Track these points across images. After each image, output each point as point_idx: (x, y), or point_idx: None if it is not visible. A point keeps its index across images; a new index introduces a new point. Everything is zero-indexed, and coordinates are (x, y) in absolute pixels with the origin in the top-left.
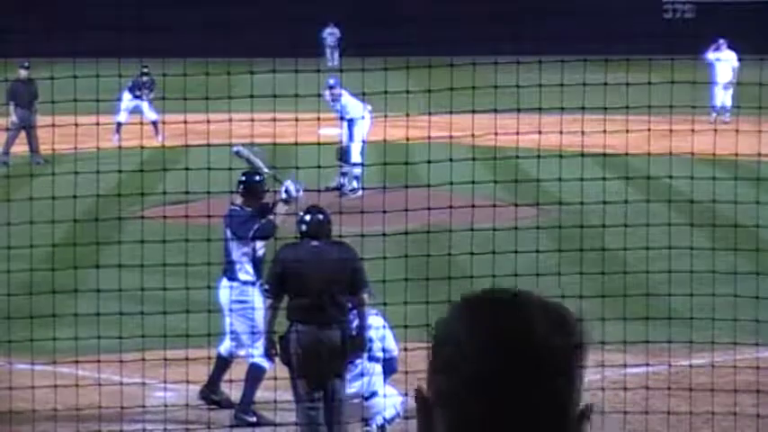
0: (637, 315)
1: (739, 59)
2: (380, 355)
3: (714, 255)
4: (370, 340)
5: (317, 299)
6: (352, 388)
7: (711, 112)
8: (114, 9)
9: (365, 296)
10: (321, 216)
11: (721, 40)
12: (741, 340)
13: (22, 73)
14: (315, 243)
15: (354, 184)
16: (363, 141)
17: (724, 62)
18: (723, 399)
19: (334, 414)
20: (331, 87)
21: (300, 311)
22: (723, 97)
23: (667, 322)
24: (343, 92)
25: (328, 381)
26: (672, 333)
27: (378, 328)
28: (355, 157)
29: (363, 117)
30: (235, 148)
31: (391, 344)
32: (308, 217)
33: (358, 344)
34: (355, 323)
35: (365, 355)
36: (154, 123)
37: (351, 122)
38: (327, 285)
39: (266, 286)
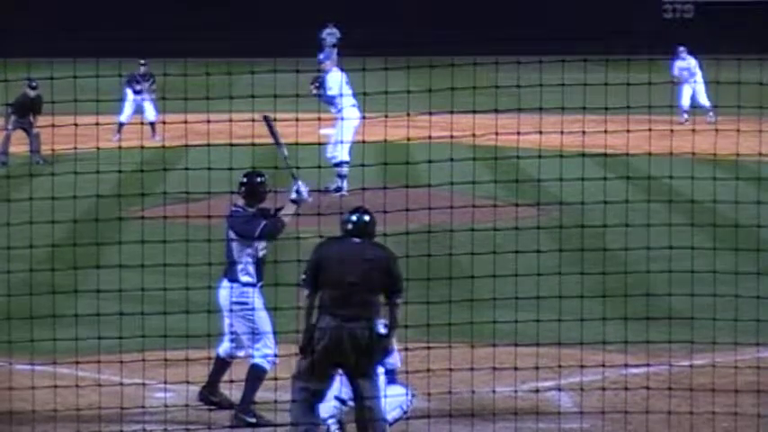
0: (637, 315)
1: (699, 61)
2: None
3: (715, 255)
4: None
5: (348, 292)
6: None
7: (682, 113)
8: (114, 9)
9: (399, 301)
10: (367, 217)
11: (681, 48)
12: (742, 340)
13: (30, 93)
14: (356, 240)
15: (338, 182)
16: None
17: (686, 69)
18: (724, 399)
19: (368, 414)
20: (321, 62)
21: (330, 303)
22: (700, 98)
23: (668, 322)
24: (335, 69)
25: (356, 375)
26: (672, 333)
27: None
28: (344, 155)
29: (343, 108)
30: (265, 114)
31: (392, 359)
32: (354, 217)
33: (384, 344)
34: (383, 324)
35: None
36: (152, 124)
37: (331, 99)
38: (360, 281)
39: (303, 276)
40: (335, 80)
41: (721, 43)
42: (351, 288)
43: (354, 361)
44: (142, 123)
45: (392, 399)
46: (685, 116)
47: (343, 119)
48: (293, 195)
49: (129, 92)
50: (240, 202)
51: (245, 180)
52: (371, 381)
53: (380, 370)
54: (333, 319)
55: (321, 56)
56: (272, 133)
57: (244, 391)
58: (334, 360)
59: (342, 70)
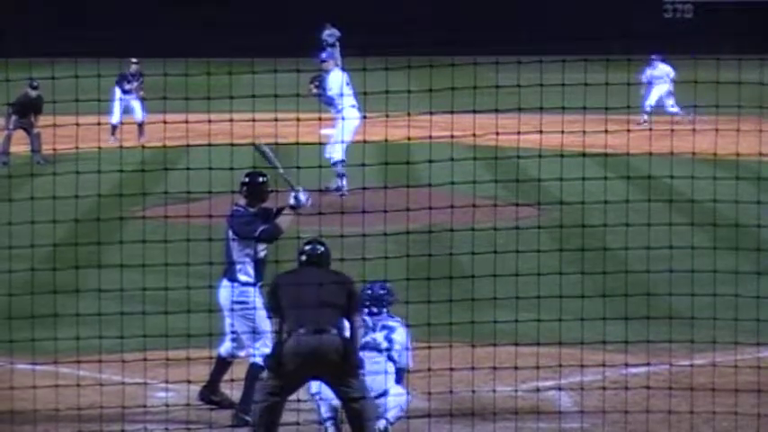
0: (637, 315)
1: (673, 67)
2: (396, 356)
3: (715, 254)
4: (391, 341)
5: (311, 310)
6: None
7: (642, 113)
8: (115, 9)
9: (358, 319)
10: (321, 248)
11: (654, 56)
12: (742, 340)
13: (31, 93)
14: (312, 268)
15: (338, 182)
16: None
17: (659, 78)
18: (724, 399)
19: (358, 414)
20: (323, 61)
21: (296, 323)
22: (667, 102)
23: (668, 322)
24: (336, 69)
25: (337, 384)
26: (673, 333)
27: (404, 336)
28: (340, 154)
29: (343, 108)
30: (257, 142)
31: (404, 359)
32: (308, 247)
33: (354, 349)
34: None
35: (385, 353)
36: (140, 125)
37: (330, 100)
38: (322, 300)
39: (268, 307)
40: (336, 80)
41: (721, 43)
42: (314, 306)
43: (331, 371)
44: (143, 123)
45: (393, 398)
46: (645, 117)
47: (343, 119)
48: (292, 201)
49: (117, 91)
50: (242, 201)
51: (246, 180)
52: (354, 384)
53: (391, 368)
54: (304, 333)
55: (324, 54)
56: (266, 157)
57: (244, 391)
58: (310, 373)
59: (343, 70)
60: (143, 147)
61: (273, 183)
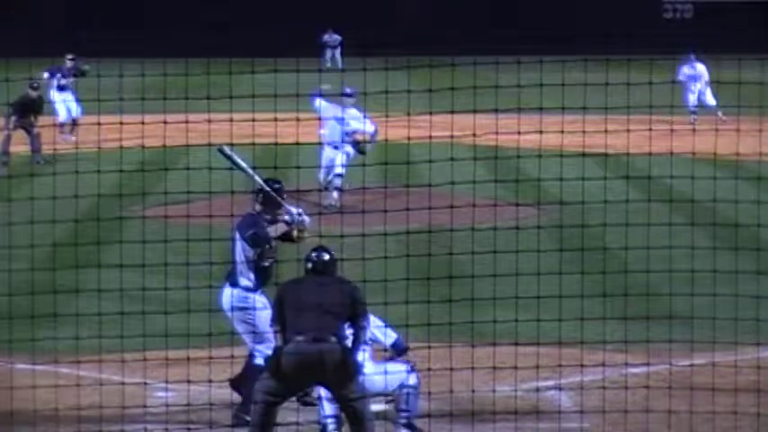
0: (637, 315)
1: (707, 66)
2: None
3: (715, 254)
4: None
5: (313, 317)
6: None
7: (690, 114)
8: (115, 9)
9: (364, 324)
10: (327, 256)
11: (691, 55)
12: (742, 340)
13: (32, 93)
14: (317, 276)
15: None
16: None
17: (693, 76)
18: (724, 399)
19: (356, 414)
20: (348, 95)
21: (297, 329)
22: (707, 98)
23: (668, 322)
24: (352, 109)
25: (337, 390)
26: (673, 333)
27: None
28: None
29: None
30: (218, 147)
31: (380, 335)
32: (314, 255)
33: (353, 356)
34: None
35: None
36: (74, 121)
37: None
38: (324, 308)
39: (271, 316)
40: (352, 117)
41: (721, 43)
42: (315, 313)
43: (330, 377)
44: (144, 123)
45: (391, 376)
46: (694, 116)
47: (347, 153)
48: (286, 217)
49: (54, 93)
50: (257, 208)
51: (260, 187)
52: (352, 386)
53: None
54: (303, 340)
55: (349, 89)
56: (233, 163)
57: (246, 392)
58: (308, 379)
59: (350, 95)
60: (143, 147)
61: (252, 183)
